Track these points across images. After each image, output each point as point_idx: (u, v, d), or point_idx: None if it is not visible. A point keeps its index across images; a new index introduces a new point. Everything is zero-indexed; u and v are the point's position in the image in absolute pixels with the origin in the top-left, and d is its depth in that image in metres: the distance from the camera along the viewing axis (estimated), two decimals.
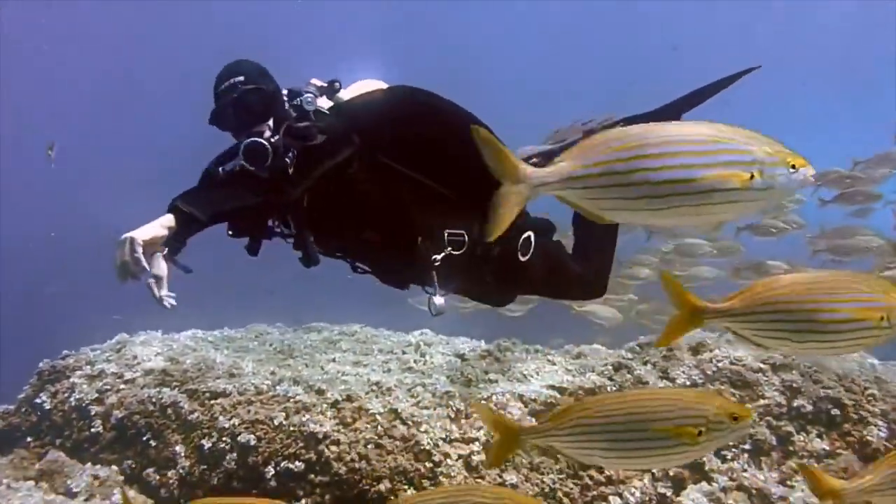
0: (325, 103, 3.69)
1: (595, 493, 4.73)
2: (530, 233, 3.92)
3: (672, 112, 4.21)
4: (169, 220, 3.11)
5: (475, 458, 4.82)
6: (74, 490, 4.46)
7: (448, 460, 4.82)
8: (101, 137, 24.78)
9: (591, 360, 6.01)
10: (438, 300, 3.75)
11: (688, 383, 5.23)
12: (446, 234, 3.71)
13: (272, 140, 3.43)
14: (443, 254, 3.68)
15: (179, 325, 7.04)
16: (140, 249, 3.00)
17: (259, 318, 7.80)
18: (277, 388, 5.37)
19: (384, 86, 3.93)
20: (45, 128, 24.67)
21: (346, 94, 3.77)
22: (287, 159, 3.41)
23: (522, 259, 3.89)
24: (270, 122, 3.51)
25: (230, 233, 3.67)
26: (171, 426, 5.17)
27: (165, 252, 3.56)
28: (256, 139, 3.42)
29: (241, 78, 3.51)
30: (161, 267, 3.42)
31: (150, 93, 24.49)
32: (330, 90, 3.72)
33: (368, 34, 22.75)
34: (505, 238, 3.85)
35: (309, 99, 3.58)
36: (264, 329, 7.38)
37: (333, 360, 6.30)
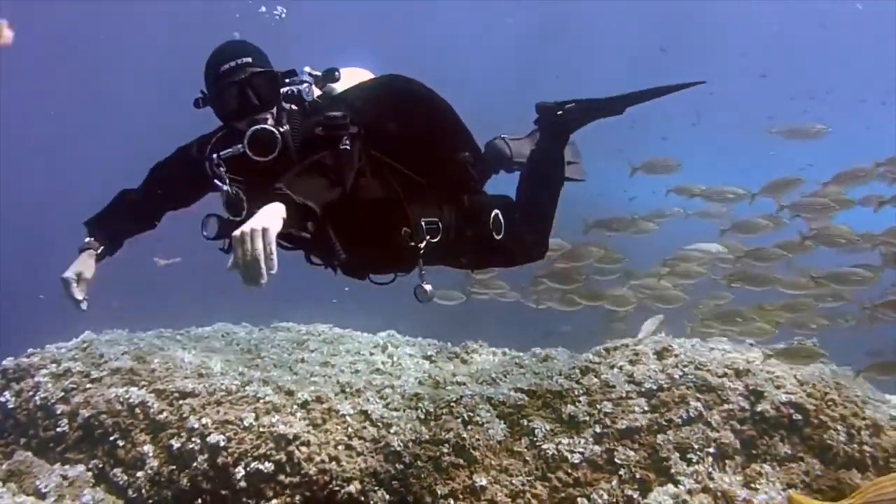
0: (315, 92, 3.67)
1: (563, 494, 4.79)
2: (497, 211, 4.02)
3: (620, 104, 4.62)
4: (280, 210, 2.79)
5: (445, 459, 4.86)
6: (43, 490, 4.42)
7: (418, 462, 4.85)
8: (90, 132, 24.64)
9: (559, 364, 6.08)
10: (427, 287, 3.82)
11: (654, 388, 5.30)
12: (423, 223, 3.76)
13: (280, 129, 3.38)
14: (424, 242, 3.74)
15: (145, 324, 6.99)
16: (275, 243, 2.66)
17: (223, 318, 7.77)
18: (247, 388, 5.35)
19: (370, 74, 3.96)
20: (41, 126, 24.50)
21: (335, 84, 3.78)
22: (345, 147, 3.31)
23: (497, 238, 4.02)
24: (274, 110, 3.45)
25: (206, 234, 3.64)
26: (139, 426, 5.12)
27: (102, 251, 3.57)
28: (265, 126, 3.36)
29: (249, 59, 3.43)
30: (90, 266, 3.43)
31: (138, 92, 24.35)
32: (324, 79, 3.71)
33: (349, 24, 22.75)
34: (475, 221, 3.94)
35: (306, 89, 3.56)
36: (230, 328, 7.35)
37: (302, 361, 6.30)
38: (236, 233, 2.60)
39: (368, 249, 3.78)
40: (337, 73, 3.72)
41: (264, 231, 2.59)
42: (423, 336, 7.50)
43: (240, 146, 3.35)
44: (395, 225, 3.72)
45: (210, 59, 3.49)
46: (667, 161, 7.84)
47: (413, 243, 3.73)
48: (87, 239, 3.59)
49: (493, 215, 4.02)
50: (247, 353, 6.41)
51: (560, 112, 4.65)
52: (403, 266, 3.95)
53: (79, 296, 3.38)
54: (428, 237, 3.75)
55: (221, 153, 3.40)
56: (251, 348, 6.59)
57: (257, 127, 3.35)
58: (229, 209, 3.49)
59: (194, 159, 3.59)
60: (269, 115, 3.43)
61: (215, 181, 3.49)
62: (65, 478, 4.61)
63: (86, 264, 3.48)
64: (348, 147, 3.32)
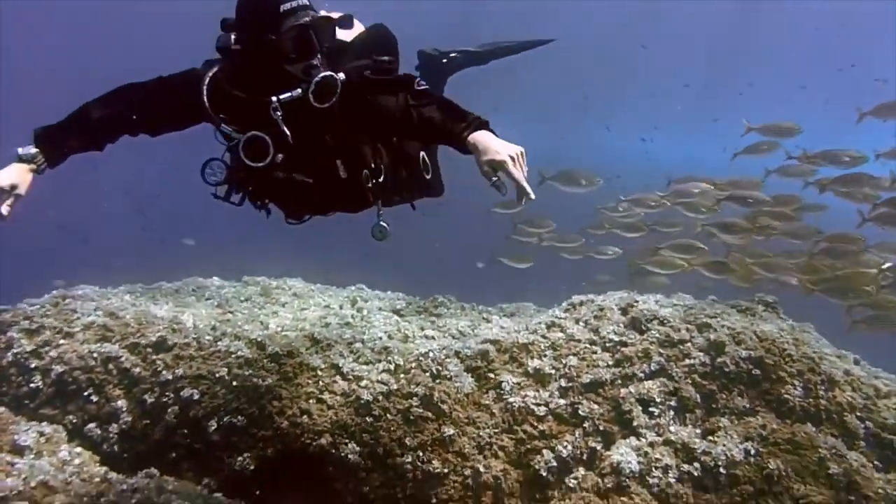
0: None
1: (529, 446, 4.91)
2: (423, 154, 4.20)
3: (488, 56, 5.53)
4: None
5: (414, 411, 4.96)
6: (21, 445, 4.46)
7: (388, 415, 4.95)
8: None
9: (525, 318, 6.19)
10: (384, 224, 3.98)
11: (618, 342, 5.42)
12: (372, 163, 3.92)
13: (339, 76, 3.46)
14: (377, 181, 3.92)
15: (115, 279, 7.00)
16: None
17: (192, 272, 7.78)
18: (219, 343, 5.41)
19: (360, 24, 4.03)
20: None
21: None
22: (425, 87, 3.51)
23: (427, 177, 4.27)
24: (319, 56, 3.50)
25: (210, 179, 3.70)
26: (112, 381, 5.16)
27: (44, 166, 3.50)
28: (331, 74, 3.44)
29: (307, 2, 3.44)
30: (27, 181, 3.36)
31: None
32: (340, 25, 3.71)
33: None
34: (408, 162, 4.13)
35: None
36: (201, 282, 7.36)
37: (273, 315, 6.36)
38: (508, 158, 3.02)
39: (334, 188, 3.89)
40: (352, 21, 3.81)
41: (523, 153, 3.08)
42: (391, 290, 7.59)
43: (299, 91, 3.42)
44: (360, 164, 3.85)
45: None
46: (785, 125, 7.89)
47: (370, 183, 3.85)
48: (33, 150, 3.45)
49: (421, 156, 4.21)
50: (218, 308, 6.46)
51: (445, 60, 5.05)
52: (355, 205, 4.08)
53: (4, 210, 3.28)
54: (376, 176, 3.91)
55: (281, 97, 3.43)
56: (222, 302, 6.63)
57: (326, 74, 3.42)
58: (249, 154, 3.56)
59: (189, 92, 3.59)
60: (317, 61, 3.48)
61: (223, 124, 3.61)
62: (42, 434, 4.65)
63: (23, 178, 3.31)
64: (427, 87, 3.51)
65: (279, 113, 3.44)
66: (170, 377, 5.10)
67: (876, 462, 4.87)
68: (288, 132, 3.48)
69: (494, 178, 3.06)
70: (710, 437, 4.84)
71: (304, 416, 4.92)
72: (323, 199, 3.96)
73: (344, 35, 3.89)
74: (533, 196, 3.08)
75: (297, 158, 3.65)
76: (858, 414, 5.12)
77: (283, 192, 3.84)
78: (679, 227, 8.55)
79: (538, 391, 5.18)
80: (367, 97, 3.54)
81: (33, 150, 3.46)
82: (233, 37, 3.49)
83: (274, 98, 3.43)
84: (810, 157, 7.76)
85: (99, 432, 4.97)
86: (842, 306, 6.70)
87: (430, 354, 5.43)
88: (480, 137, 3.13)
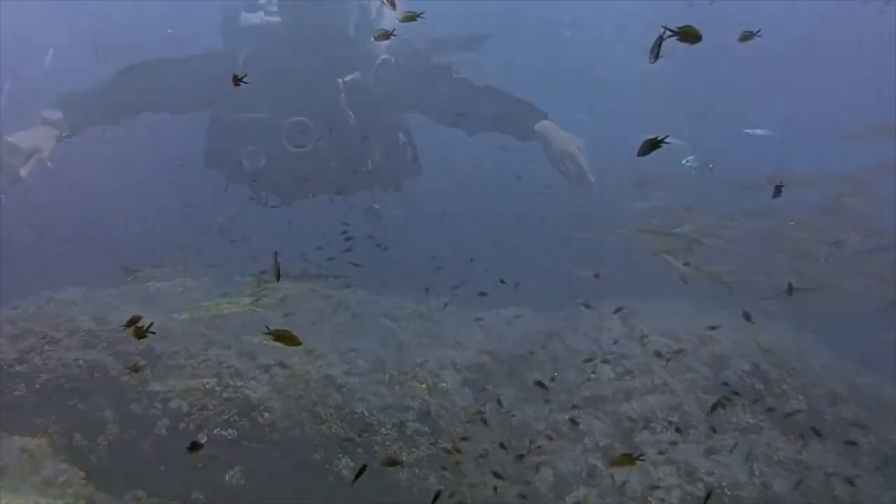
0: None
1: (527, 461, 4.81)
2: (401, 134, 4.37)
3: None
4: None
5: (410, 425, 4.84)
6: (3, 464, 4.32)
7: (383, 429, 4.83)
8: None
9: (524, 328, 6.08)
10: (376, 206, 4.08)
11: (619, 355, 5.32)
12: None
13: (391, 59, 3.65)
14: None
15: (103, 281, 6.83)
16: None
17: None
18: (209, 351, 5.26)
19: None
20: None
21: None
22: (462, 76, 3.73)
23: (407, 158, 4.43)
24: None
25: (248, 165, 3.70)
26: (98, 390, 5.01)
27: (66, 133, 3.39)
28: (389, 56, 3.64)
29: None
30: (50, 146, 3.25)
31: None
32: None
33: None
34: (394, 145, 4.18)
35: None
36: (190, 284, 7.19)
37: (264, 320, 6.20)
38: (576, 149, 3.31)
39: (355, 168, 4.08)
40: None
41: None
42: (384, 293, 7.44)
43: (358, 73, 3.61)
44: (390, 145, 4.14)
45: None
46: None
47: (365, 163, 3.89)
48: (59, 115, 3.36)
49: (401, 139, 4.37)
50: (208, 311, 6.29)
51: None
52: (350, 186, 4.30)
53: (24, 172, 3.15)
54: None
55: (347, 79, 3.59)
56: (212, 306, 6.46)
57: (385, 57, 3.62)
58: (294, 138, 3.72)
59: (222, 71, 3.49)
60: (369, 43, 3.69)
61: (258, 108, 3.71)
62: (25, 450, 4.51)
63: (48, 143, 3.26)
64: (464, 75, 3.73)
65: (343, 95, 3.46)
66: (157, 387, 4.95)
67: (879, 478, 4.79)
68: (352, 114, 3.52)
69: (563, 167, 3.39)
70: (714, 456, 4.73)
71: (297, 430, 4.79)
72: (339, 181, 4.13)
73: None
74: (594, 182, 3.35)
75: (333, 141, 3.77)
76: (862, 428, 5.04)
77: (302, 176, 3.86)
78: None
79: (537, 405, 5.07)
80: (408, 81, 3.72)
81: (59, 114, 3.35)
82: (261, 15, 3.58)
83: (340, 80, 3.57)
84: None
85: (85, 443, 4.82)
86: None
87: (426, 365, 5.31)
88: (547, 127, 3.43)
